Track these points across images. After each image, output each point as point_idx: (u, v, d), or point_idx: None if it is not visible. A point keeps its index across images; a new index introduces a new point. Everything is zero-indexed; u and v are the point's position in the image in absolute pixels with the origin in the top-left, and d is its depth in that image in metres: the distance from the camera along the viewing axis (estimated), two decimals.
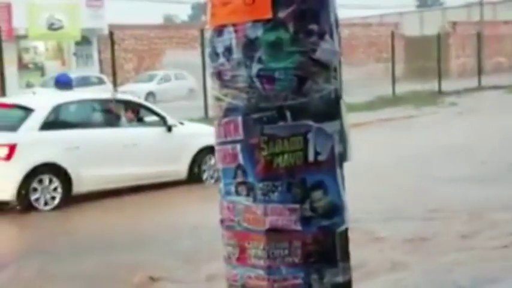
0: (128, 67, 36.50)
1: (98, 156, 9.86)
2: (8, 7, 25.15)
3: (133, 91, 32.15)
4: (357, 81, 26.91)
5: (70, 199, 9.55)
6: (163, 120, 10.72)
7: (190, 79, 34.86)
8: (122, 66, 30.04)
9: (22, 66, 34.19)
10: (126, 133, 10.39)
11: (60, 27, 25.49)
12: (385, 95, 24.60)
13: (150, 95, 33.42)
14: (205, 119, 19.46)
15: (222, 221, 2.89)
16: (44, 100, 10.65)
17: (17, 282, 6.44)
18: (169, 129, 10.68)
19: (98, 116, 10.47)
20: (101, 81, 31.94)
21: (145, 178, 10.30)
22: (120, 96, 11.15)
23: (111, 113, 10.47)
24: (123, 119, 10.54)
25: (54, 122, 9.78)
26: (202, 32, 21.02)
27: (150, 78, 34.66)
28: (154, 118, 10.81)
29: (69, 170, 9.53)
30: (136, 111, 10.85)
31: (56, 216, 9.24)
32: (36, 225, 9.02)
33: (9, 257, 7.76)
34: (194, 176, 10.81)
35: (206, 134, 11.30)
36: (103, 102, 10.74)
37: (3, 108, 10.38)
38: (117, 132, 10.32)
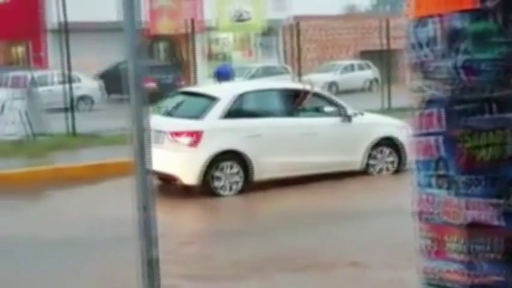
0: (310, 57, 36.83)
1: (277, 144, 10.06)
2: (199, 0, 26.18)
3: (315, 81, 32.56)
4: None
5: (250, 186, 9.84)
6: (342, 111, 10.73)
7: (373, 69, 34.61)
8: (305, 56, 30.32)
9: (211, 56, 35.60)
10: (305, 122, 10.51)
11: (247, 19, 26.10)
12: None
13: (332, 84, 33.57)
14: (387, 109, 19.25)
15: (418, 213, 2.85)
16: (228, 89, 11.00)
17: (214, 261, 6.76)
18: (349, 119, 10.67)
19: (278, 105, 10.61)
20: (284, 71, 32.55)
21: (323, 167, 10.38)
22: (308, 87, 11.23)
23: (290, 102, 10.59)
24: (303, 108, 10.65)
25: (237, 111, 10.08)
26: (387, 21, 20.79)
27: (333, 69, 34.79)
28: (334, 108, 10.83)
29: (250, 157, 9.81)
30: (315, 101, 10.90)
31: (239, 201, 9.56)
32: (221, 209, 9.39)
33: (200, 236, 8.15)
34: (368, 167, 10.79)
35: (384, 125, 11.22)
36: (282, 91, 10.89)
37: (190, 96, 10.82)
38: (296, 121, 10.47)
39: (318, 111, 10.80)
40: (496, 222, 2.61)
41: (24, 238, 7.88)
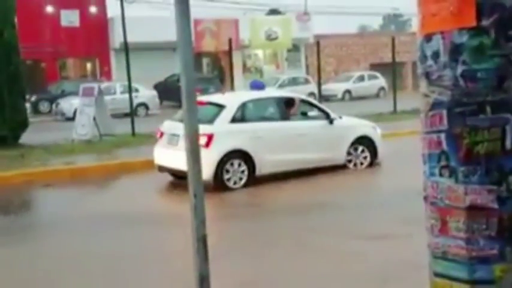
0: (329, 69, 36.70)
1: (275, 144, 10.00)
2: (236, 22, 26.26)
3: (333, 89, 32.46)
4: None
5: (253, 180, 9.81)
6: (326, 115, 10.69)
7: (381, 79, 34.38)
8: (324, 68, 30.25)
9: (245, 70, 35.66)
10: (297, 125, 10.45)
11: (276, 38, 26.10)
12: None
13: (346, 92, 33.41)
14: (393, 112, 19.05)
15: (425, 198, 2.84)
16: (233, 98, 10.81)
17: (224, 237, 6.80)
18: (331, 122, 10.62)
19: (274, 111, 10.52)
20: (307, 81, 32.49)
21: (312, 162, 10.37)
22: (298, 95, 11.27)
23: (285, 108, 10.51)
24: (295, 114, 10.61)
25: (241, 116, 9.99)
26: (393, 39, 20.60)
27: (347, 79, 34.63)
28: (319, 113, 10.77)
29: (253, 155, 9.74)
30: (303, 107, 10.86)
31: (247, 192, 9.52)
32: (233, 198, 9.35)
33: (215, 219, 8.20)
34: (347, 162, 10.77)
35: (360, 126, 11.17)
36: (278, 99, 10.78)
37: (202, 105, 10.71)
38: (290, 124, 10.40)
39: (306, 115, 10.70)
40: (490, 205, 2.60)
41: (104, 215, 8.27)
